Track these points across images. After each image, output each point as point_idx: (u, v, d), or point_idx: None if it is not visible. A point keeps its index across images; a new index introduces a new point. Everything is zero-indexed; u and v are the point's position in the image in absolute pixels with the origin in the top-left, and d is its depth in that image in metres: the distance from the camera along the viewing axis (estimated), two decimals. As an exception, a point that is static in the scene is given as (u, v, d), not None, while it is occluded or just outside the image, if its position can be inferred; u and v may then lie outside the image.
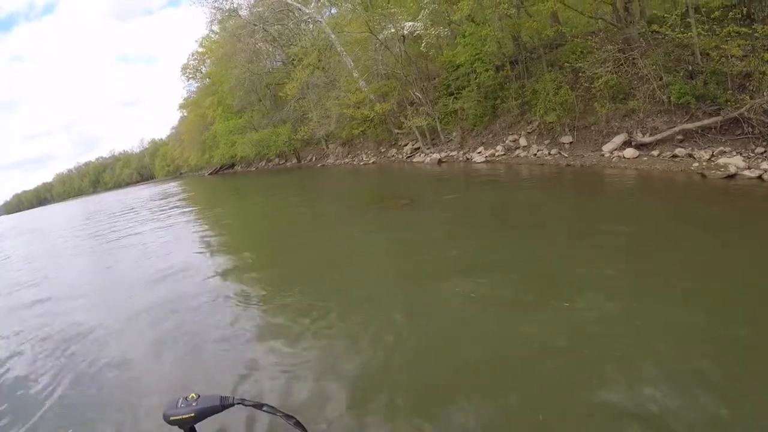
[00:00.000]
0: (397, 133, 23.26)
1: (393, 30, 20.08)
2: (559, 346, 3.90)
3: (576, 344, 3.86)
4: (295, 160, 37.95)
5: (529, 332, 4.17)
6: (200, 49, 46.50)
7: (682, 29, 10.26)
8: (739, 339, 3.61)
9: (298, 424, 1.31)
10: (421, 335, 4.62)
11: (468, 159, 17.08)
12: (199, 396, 1.24)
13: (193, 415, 1.21)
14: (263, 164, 44.41)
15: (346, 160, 28.51)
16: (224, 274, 8.10)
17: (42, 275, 11.90)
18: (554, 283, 5.13)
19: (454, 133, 19.14)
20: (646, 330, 3.89)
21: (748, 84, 9.43)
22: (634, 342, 3.76)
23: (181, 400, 1.23)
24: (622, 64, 12.01)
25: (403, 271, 6.69)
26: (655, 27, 11.13)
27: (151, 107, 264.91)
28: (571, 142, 13.32)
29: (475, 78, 16.96)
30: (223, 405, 1.24)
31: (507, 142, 15.85)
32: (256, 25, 32.23)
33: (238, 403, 1.26)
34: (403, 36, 20.40)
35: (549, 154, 13.64)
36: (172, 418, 1.21)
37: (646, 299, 4.40)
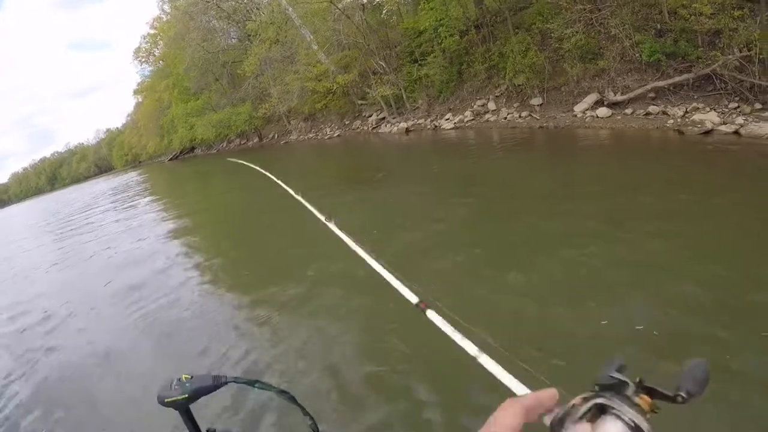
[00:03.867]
0: (361, 104, 22.72)
1: (353, -2, 19.49)
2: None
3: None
4: (256, 139, 36.82)
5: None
6: (152, 31, 44.50)
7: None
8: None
9: (292, 399, 1.29)
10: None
11: (437, 126, 16.72)
12: (192, 376, 1.19)
13: (187, 395, 1.16)
14: (224, 145, 42.92)
15: (310, 135, 27.76)
16: (207, 272, 7.60)
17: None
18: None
19: (420, 101, 18.75)
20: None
21: (717, 41, 9.39)
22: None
23: (174, 382, 1.18)
24: (592, 24, 11.85)
25: (404, 250, 6.20)
26: (621, -15, 10.98)
27: (108, 95, 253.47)
28: (541, 104, 13.16)
29: (440, 43, 16.51)
30: (216, 384, 1.20)
31: (475, 106, 15.58)
32: (209, 2, 30.99)
33: (231, 381, 1.22)
34: (363, 4, 19.80)
35: (520, 116, 13.41)
36: (167, 399, 1.16)
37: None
